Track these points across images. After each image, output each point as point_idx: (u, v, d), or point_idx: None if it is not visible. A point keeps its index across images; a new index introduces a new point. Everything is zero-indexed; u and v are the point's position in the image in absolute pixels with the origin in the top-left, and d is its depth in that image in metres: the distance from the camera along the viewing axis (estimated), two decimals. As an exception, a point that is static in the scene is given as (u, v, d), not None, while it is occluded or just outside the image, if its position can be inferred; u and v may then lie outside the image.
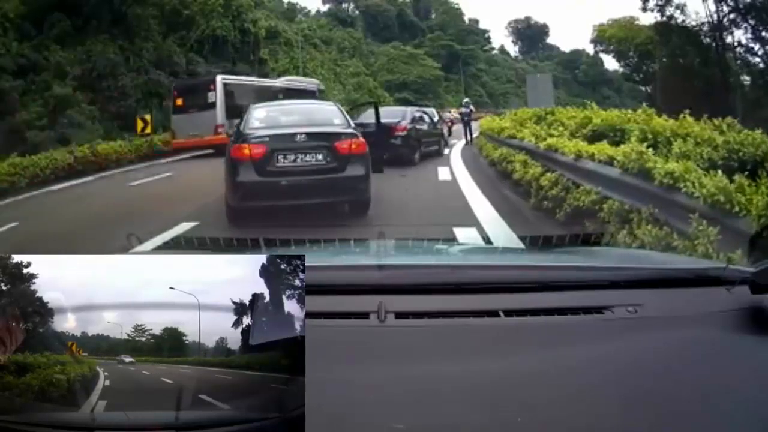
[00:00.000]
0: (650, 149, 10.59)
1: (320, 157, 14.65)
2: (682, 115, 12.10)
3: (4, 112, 41.90)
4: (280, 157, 14.50)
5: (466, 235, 11.72)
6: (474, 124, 44.37)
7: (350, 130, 15.55)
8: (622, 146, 11.56)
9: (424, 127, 31.10)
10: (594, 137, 15.16)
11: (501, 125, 27.30)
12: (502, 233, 12.80)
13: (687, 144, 10.34)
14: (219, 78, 40.47)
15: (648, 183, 9.76)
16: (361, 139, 15.38)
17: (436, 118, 35.95)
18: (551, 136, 17.19)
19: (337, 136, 15.12)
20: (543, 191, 15.38)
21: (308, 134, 14.85)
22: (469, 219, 14.70)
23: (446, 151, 34.52)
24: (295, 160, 14.53)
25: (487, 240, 11.67)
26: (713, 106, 35.82)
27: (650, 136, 11.86)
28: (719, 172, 8.35)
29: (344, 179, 14.66)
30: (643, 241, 9.10)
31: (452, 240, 9.04)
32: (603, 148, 12.58)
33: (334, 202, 14.84)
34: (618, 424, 2.19)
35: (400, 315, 2.68)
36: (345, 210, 15.19)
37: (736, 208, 7.54)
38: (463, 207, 16.89)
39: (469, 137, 42.44)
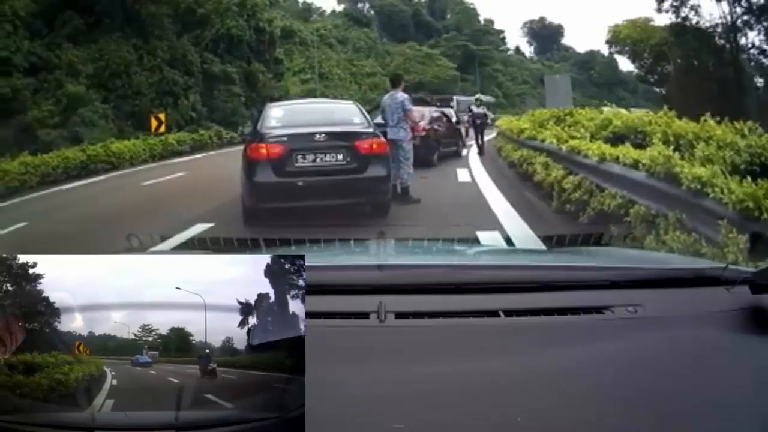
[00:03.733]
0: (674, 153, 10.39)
1: (340, 157, 14.43)
2: (703, 118, 11.91)
3: (15, 111, 41.94)
4: (299, 157, 14.28)
5: (488, 238, 11.40)
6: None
7: (371, 130, 15.36)
8: (649, 150, 11.34)
9: (443, 127, 30.84)
10: (614, 139, 15.13)
11: (520, 126, 26.97)
12: (524, 237, 12.59)
13: (710, 147, 10.17)
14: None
15: (675, 188, 9.58)
16: (382, 139, 15.23)
17: (454, 119, 35.60)
18: (573, 138, 17.00)
19: (358, 135, 14.91)
20: (566, 194, 15.16)
21: (328, 134, 14.62)
22: (492, 222, 14.52)
23: (464, 152, 34.39)
24: (314, 160, 14.31)
25: (509, 243, 11.49)
26: (728, 107, 35.67)
27: (672, 139, 11.78)
28: (749, 178, 8.24)
29: (365, 180, 14.44)
30: (671, 248, 8.84)
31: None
32: (628, 151, 12.41)
33: (354, 204, 14.56)
34: (618, 424, 2.20)
35: (400, 315, 2.72)
36: (365, 212, 14.94)
37: (766, 215, 7.42)
38: (484, 210, 16.73)
39: (480, 142, 36.02)
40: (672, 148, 10.64)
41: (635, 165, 11.39)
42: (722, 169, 8.90)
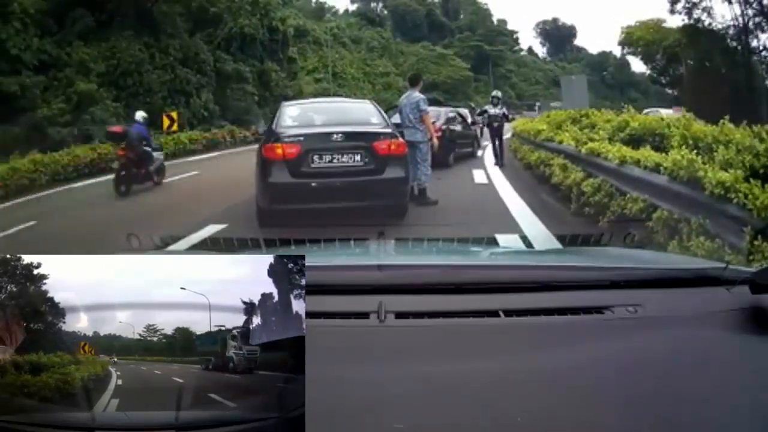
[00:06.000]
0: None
1: (358, 158, 14.24)
2: (722, 121, 11.77)
3: (25, 108, 42.09)
4: (315, 157, 14.09)
5: (508, 241, 11.17)
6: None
7: (389, 130, 15.16)
8: (671, 153, 11.17)
9: (458, 128, 30.57)
10: (632, 141, 15.14)
11: (537, 127, 26.75)
12: (545, 240, 12.46)
13: (729, 151, 9.98)
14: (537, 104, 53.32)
15: (698, 192, 9.45)
16: (401, 140, 15.08)
17: (469, 119, 34.88)
18: (592, 140, 16.81)
19: (376, 136, 14.72)
20: (585, 197, 14.99)
21: (345, 134, 14.43)
22: (511, 225, 14.37)
23: (479, 153, 33.95)
24: (331, 161, 14.12)
25: (529, 246, 11.32)
26: (740, 109, 35.60)
27: (691, 142, 11.60)
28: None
29: (383, 182, 14.26)
30: (695, 254, 8.64)
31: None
32: (649, 154, 12.31)
33: (370, 206, 14.19)
34: (618, 424, 2.21)
35: (400, 315, 2.74)
36: (382, 214, 14.44)
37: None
38: (503, 212, 16.62)
39: (498, 150, 29.25)
40: (691, 151, 10.45)
41: (657, 168, 11.26)
42: (746, 175, 8.76)
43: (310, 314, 2.49)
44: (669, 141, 12.81)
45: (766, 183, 8.08)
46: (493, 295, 2.90)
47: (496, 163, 28.68)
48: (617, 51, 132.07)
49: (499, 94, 31.89)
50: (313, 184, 14.02)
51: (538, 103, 79.75)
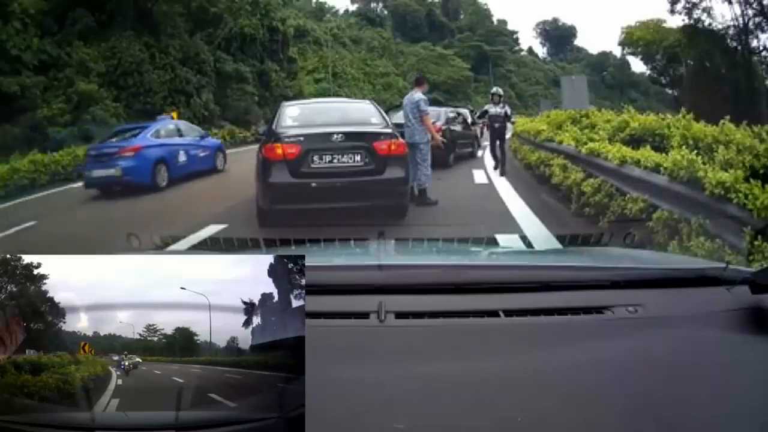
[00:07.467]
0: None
1: (358, 158, 14.15)
2: (722, 122, 11.81)
3: (25, 108, 41.94)
4: (315, 157, 14.01)
5: (508, 241, 11.13)
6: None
7: (389, 130, 15.05)
8: (672, 153, 11.10)
9: (458, 128, 30.35)
10: (632, 141, 15.12)
11: (537, 128, 26.63)
12: (545, 240, 12.35)
13: (730, 152, 10.04)
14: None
15: (698, 193, 9.39)
16: (401, 140, 15.01)
17: (469, 120, 34.48)
18: (592, 140, 16.69)
19: (376, 136, 14.63)
20: (585, 197, 14.89)
21: (345, 134, 14.34)
22: (511, 225, 14.28)
23: (479, 153, 33.72)
24: (331, 161, 14.04)
25: (529, 246, 11.10)
26: (740, 110, 35.51)
27: (691, 142, 11.67)
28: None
29: (383, 182, 14.18)
30: (696, 254, 8.60)
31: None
32: (649, 154, 12.22)
33: (371, 206, 14.11)
34: (618, 424, 2.21)
35: (400, 315, 2.73)
36: (382, 214, 14.43)
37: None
38: (503, 212, 16.49)
39: (500, 156, 25.81)
40: (692, 151, 10.42)
41: (657, 169, 11.22)
42: (746, 175, 8.70)
43: (310, 314, 2.48)
44: (669, 141, 12.80)
45: (766, 183, 8.03)
46: (493, 295, 2.88)
47: (501, 173, 25.09)
48: (617, 51, 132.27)
49: (500, 90, 27.54)
50: (313, 185, 13.94)
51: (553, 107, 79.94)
